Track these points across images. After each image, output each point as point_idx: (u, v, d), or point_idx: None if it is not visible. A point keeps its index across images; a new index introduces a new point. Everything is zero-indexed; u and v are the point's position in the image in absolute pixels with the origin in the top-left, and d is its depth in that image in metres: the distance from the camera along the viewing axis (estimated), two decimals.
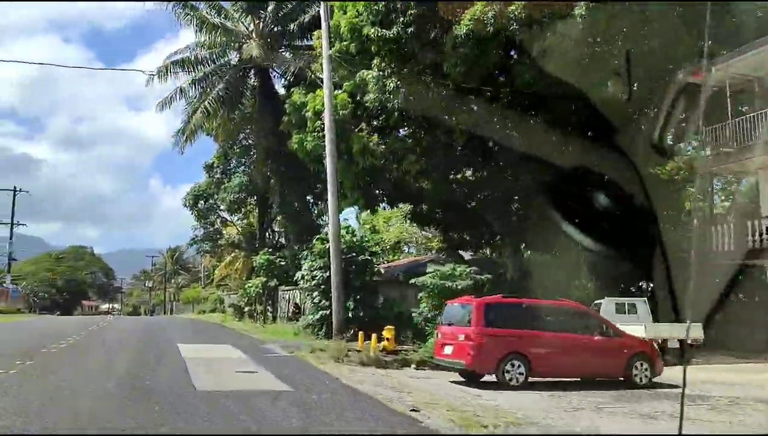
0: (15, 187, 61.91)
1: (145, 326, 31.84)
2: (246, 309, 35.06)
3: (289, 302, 29.04)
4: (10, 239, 60.75)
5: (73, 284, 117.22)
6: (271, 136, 27.64)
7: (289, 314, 26.67)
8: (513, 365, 12.17)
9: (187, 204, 37.02)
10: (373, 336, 15.43)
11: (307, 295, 21.93)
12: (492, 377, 12.31)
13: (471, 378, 13.23)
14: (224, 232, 38.56)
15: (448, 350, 12.79)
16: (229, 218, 39.06)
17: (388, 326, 15.99)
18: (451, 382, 13.13)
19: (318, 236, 22.26)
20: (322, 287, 20.56)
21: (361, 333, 18.24)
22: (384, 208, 28.61)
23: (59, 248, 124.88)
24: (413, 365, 14.97)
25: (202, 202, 37.26)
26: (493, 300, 12.92)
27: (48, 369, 11.43)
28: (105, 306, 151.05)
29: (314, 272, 20.84)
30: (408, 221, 29.36)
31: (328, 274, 20.25)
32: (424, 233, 44.02)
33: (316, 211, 30.83)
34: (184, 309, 73.70)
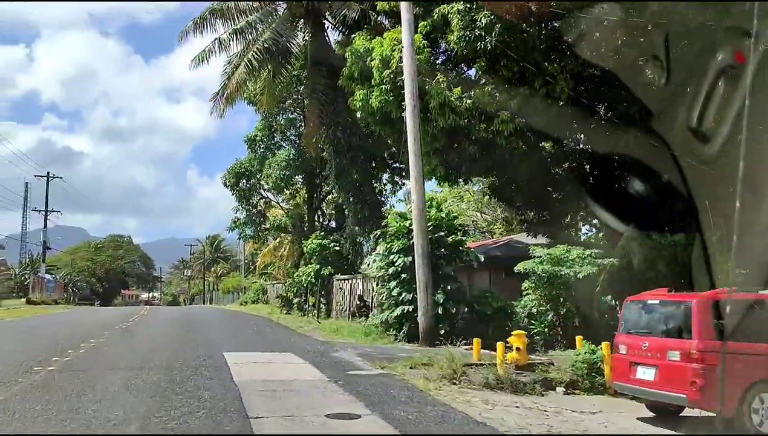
0: (48, 173, 59.36)
1: (183, 320, 28.08)
2: (295, 301, 30.97)
3: (348, 294, 24.82)
4: (44, 226, 58.19)
5: (112, 274, 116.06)
6: (324, 96, 23.26)
7: (352, 309, 22.37)
8: (763, 401, 7.57)
9: (227, 183, 33.06)
10: (499, 345, 10.88)
11: (381, 285, 17.49)
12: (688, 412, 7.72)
13: (663, 412, 8.69)
14: (268, 215, 34.53)
15: (645, 373, 8.19)
16: (273, 199, 35.00)
17: (517, 331, 11.39)
18: (641, 420, 8.61)
19: (394, 212, 17.85)
20: (403, 275, 16.16)
21: (451, 338, 14.02)
22: (459, 182, 23.95)
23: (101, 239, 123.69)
24: (560, 387, 10.42)
25: (243, 180, 33.27)
26: (720, 296, 8.17)
27: (23, 413, 7.26)
28: (145, 295, 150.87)
29: (392, 257, 16.40)
30: (488, 197, 24.61)
31: (410, 259, 15.88)
32: (484, 215, 39.44)
33: (378, 187, 26.38)
34: (223, 299, 70.62)
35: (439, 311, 15.37)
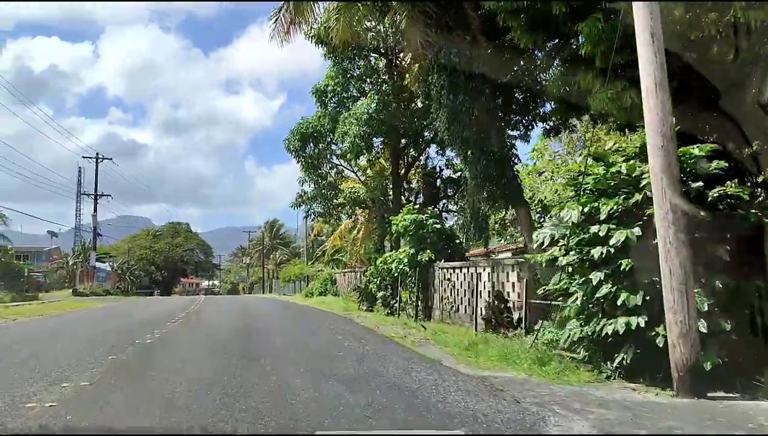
0: (97, 154, 54.78)
1: (242, 318, 21.90)
2: (379, 295, 24.22)
3: (460, 288, 17.84)
4: (94, 211, 53.68)
5: (170, 262, 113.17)
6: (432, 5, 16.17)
7: (481, 313, 15.26)
8: None
9: (291, 148, 26.42)
10: None
11: (568, 277, 10.18)
12: None
13: None
14: (342, 187, 27.75)
15: None
16: (348, 169, 28.21)
17: None
18: None
19: (587, 154, 10.59)
20: (620, 262, 8.97)
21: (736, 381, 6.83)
22: None
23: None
24: None
25: (311, 144, 26.58)
26: None
27: None
28: (205, 283, 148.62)
29: (597, 230, 9.20)
30: None
31: (638, 232, 8.74)
32: None
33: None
34: (283, 288, 65.00)
35: (702, 328, 8.15)
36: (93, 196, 52.81)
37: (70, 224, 71.53)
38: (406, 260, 21.22)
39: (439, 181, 28.23)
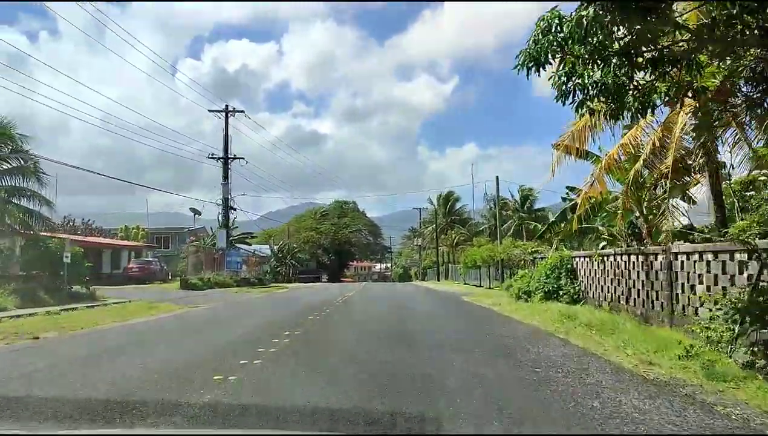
0: (227, 107, 43.40)
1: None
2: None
3: None
4: (224, 178, 42.28)
5: (336, 244, 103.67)
6: None
7: None
8: None
9: None
10: None
11: None
12: None
13: None
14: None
15: None
16: None
17: None
18: None
19: None
20: None
21: None
22: None
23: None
24: None
25: None
26: None
27: None
28: (378, 267, 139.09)
29: None
30: None
31: None
32: None
33: None
34: (465, 275, 49.49)
35: None
36: (224, 160, 41.45)
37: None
38: None
39: None
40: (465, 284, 48.09)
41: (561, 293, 18.38)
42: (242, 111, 43.33)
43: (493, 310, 18.36)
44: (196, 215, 54.72)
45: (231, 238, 45.48)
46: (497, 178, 40.06)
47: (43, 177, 21.05)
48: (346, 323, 14.49)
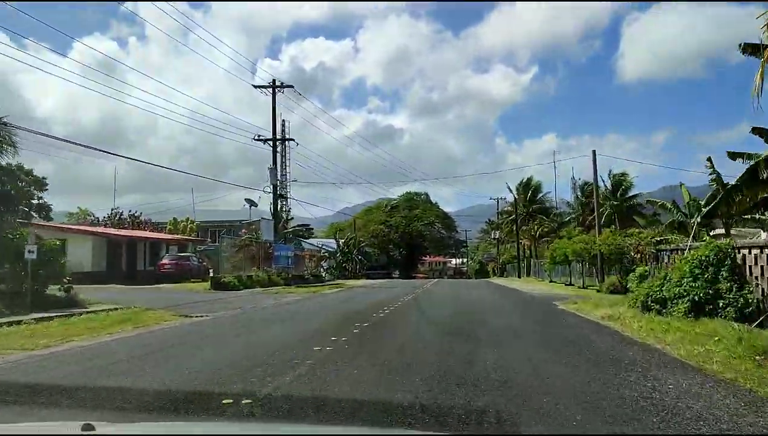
0: (274, 82, 38.47)
1: None
2: None
3: None
4: (272, 163, 37.41)
5: (407, 237, 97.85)
6: None
7: None
8: None
9: None
10: None
11: None
12: None
13: None
14: None
15: None
16: None
17: None
18: None
19: None
20: None
21: None
22: None
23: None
24: None
25: None
26: None
27: None
28: (454, 262, 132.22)
29: None
30: None
31: None
32: None
33: None
34: (551, 272, 42.56)
35: None
36: (272, 143, 36.61)
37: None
38: None
39: None
40: (551, 281, 41.11)
41: (721, 303, 11.71)
42: (291, 86, 38.29)
43: (614, 330, 11.92)
44: (252, 207, 50.14)
45: (285, 231, 40.62)
46: (594, 152, 32.94)
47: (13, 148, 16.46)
48: (370, 359, 8.60)
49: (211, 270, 31.96)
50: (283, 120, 36.84)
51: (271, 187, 35.30)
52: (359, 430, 4.24)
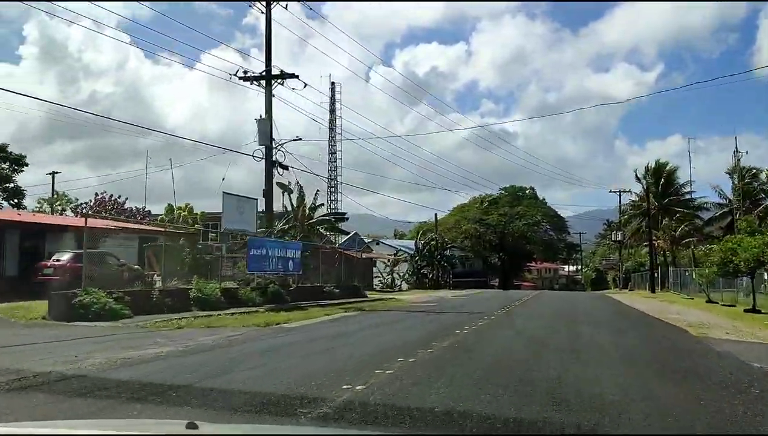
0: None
1: None
2: None
3: None
4: (266, 112, 25.27)
5: (508, 239, 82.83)
6: None
7: None
8: None
9: None
10: None
11: None
12: None
13: None
14: None
15: None
16: None
17: None
18: None
19: None
20: None
21: None
22: None
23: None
24: None
25: None
26: None
27: None
28: (566, 269, 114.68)
29: None
30: None
31: None
32: None
33: None
34: (706, 285, 27.28)
35: None
36: (266, 80, 24.57)
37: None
38: None
39: None
40: (708, 301, 25.99)
41: None
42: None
43: None
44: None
45: (310, 221, 28.55)
46: None
47: None
48: None
49: (158, 276, 20.56)
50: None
51: (263, 149, 23.26)
52: (359, 430, 4.30)
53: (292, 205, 30.05)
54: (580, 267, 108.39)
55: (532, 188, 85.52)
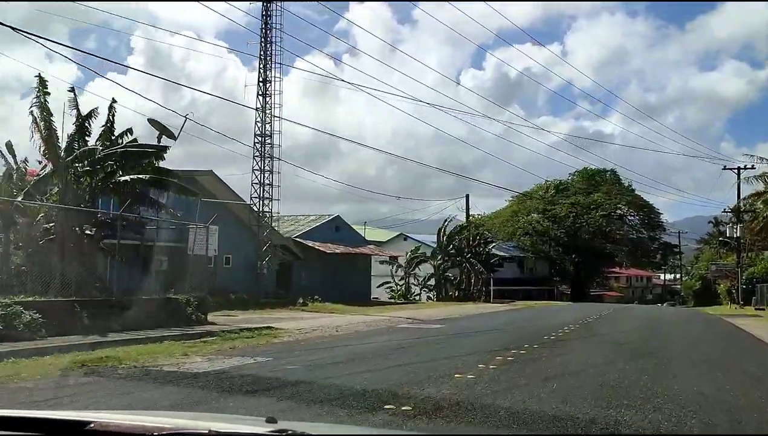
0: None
1: None
2: None
3: None
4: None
5: (584, 237, 64.33)
6: None
7: None
8: None
9: None
10: None
11: None
12: None
13: None
14: None
15: None
16: None
17: None
18: None
19: None
20: None
21: None
22: None
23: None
24: None
25: None
26: None
27: None
28: (662, 278, 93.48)
29: None
30: None
31: None
32: None
33: None
34: None
35: None
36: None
37: None
38: None
39: None
40: None
41: None
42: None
43: None
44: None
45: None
46: None
47: None
48: None
49: None
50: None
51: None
52: (359, 430, 4.12)
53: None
54: (679, 275, 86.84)
55: (612, 171, 66.30)
